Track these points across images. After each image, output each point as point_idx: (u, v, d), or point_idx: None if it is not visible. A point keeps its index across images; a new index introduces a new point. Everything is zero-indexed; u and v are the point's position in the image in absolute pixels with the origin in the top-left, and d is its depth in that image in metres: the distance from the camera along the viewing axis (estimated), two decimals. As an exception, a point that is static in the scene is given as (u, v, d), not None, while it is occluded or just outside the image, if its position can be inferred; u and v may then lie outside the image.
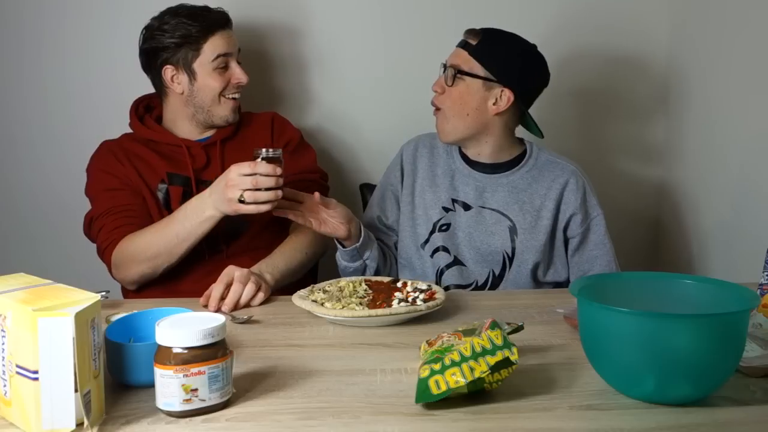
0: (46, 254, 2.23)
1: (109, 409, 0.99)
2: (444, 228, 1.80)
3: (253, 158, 1.55)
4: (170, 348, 0.97)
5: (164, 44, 1.80)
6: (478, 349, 1.02)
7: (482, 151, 1.83)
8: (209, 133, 1.90)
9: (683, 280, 1.15)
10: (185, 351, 0.97)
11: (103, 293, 1.51)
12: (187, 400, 0.97)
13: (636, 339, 0.98)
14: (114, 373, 1.08)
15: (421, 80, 1.96)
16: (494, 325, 1.07)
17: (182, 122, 1.89)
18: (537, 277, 1.78)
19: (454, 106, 1.77)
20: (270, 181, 1.52)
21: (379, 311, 1.34)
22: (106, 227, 1.74)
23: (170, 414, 0.98)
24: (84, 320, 0.92)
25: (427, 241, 1.81)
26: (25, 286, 1.01)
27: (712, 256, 2.09)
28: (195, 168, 1.84)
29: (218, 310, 1.45)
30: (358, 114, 2.31)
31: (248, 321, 1.39)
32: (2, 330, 0.94)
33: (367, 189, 2.17)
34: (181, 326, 0.99)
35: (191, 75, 1.82)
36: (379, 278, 1.58)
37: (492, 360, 1.00)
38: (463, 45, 1.78)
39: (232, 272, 1.51)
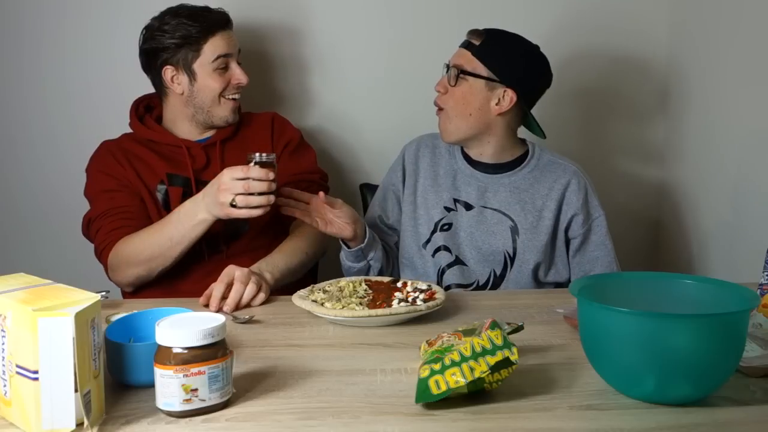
0: (46, 254, 2.23)
1: (109, 409, 0.99)
2: (446, 228, 1.80)
3: (246, 162, 1.55)
4: (170, 348, 0.97)
5: (164, 45, 1.80)
6: (478, 349, 1.02)
7: (484, 151, 1.83)
8: (209, 134, 1.90)
9: (683, 280, 1.15)
10: (185, 351, 0.97)
11: (103, 293, 1.51)
12: (187, 400, 0.97)
13: (636, 339, 0.98)
14: (114, 373, 1.08)
15: (422, 80, 1.96)
16: (494, 325, 1.07)
17: (182, 122, 1.89)
18: (538, 277, 1.79)
19: (457, 106, 1.77)
20: (262, 186, 1.52)
21: (379, 311, 1.34)
22: (103, 229, 1.74)
23: (170, 414, 0.98)
24: (84, 320, 0.92)
25: (428, 240, 1.81)
26: (25, 286, 1.01)
27: (712, 256, 2.09)
28: (195, 168, 1.84)
29: (219, 310, 1.45)
30: (359, 114, 2.31)
31: (249, 321, 1.39)
32: (2, 330, 0.94)
33: (367, 189, 2.17)
34: (181, 326, 0.99)
35: (191, 75, 1.82)
36: (379, 278, 1.58)
37: (492, 360, 1.00)
38: (466, 45, 1.78)
39: (233, 272, 1.50)
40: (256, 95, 2.16)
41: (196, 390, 0.97)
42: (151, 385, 0.99)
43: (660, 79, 2.34)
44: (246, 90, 1.90)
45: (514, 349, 1.02)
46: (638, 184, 2.40)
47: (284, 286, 1.66)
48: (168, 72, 1.82)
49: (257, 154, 1.55)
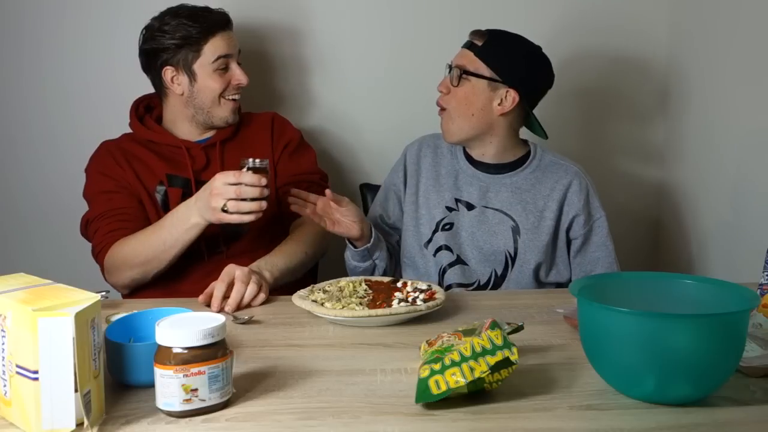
0: (46, 254, 2.23)
1: (109, 409, 0.99)
2: (447, 227, 1.80)
3: (239, 168, 1.54)
4: (170, 348, 0.97)
5: (164, 45, 1.80)
6: (478, 349, 1.02)
7: (486, 152, 1.83)
8: (209, 134, 1.90)
9: (683, 280, 1.15)
10: (185, 351, 0.97)
11: (103, 293, 1.51)
12: (187, 400, 0.97)
13: (636, 339, 0.98)
14: (114, 373, 1.08)
15: (422, 81, 1.96)
16: (494, 325, 1.07)
17: (182, 123, 1.88)
18: (539, 277, 1.79)
19: (460, 107, 1.77)
20: (254, 192, 1.51)
21: (379, 311, 1.34)
22: (100, 230, 1.74)
23: (170, 414, 0.98)
24: (84, 320, 0.92)
25: (430, 240, 1.81)
26: (25, 286, 1.01)
27: (712, 256, 2.09)
28: (195, 169, 1.83)
29: (221, 310, 1.45)
30: (359, 114, 2.31)
31: (249, 321, 1.39)
32: (2, 330, 0.94)
33: (368, 189, 2.17)
34: (181, 326, 0.99)
35: (191, 76, 1.82)
36: (379, 278, 1.58)
37: (492, 360, 1.00)
38: (469, 46, 1.78)
39: (233, 271, 1.50)
40: (257, 96, 2.16)
41: (196, 390, 0.97)
42: (151, 385, 0.99)
43: (660, 79, 2.34)
44: (246, 90, 1.90)
45: (514, 349, 1.02)
46: (638, 184, 2.40)
47: (284, 286, 1.66)
48: (168, 72, 1.82)
49: (250, 160, 1.55)
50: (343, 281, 1.53)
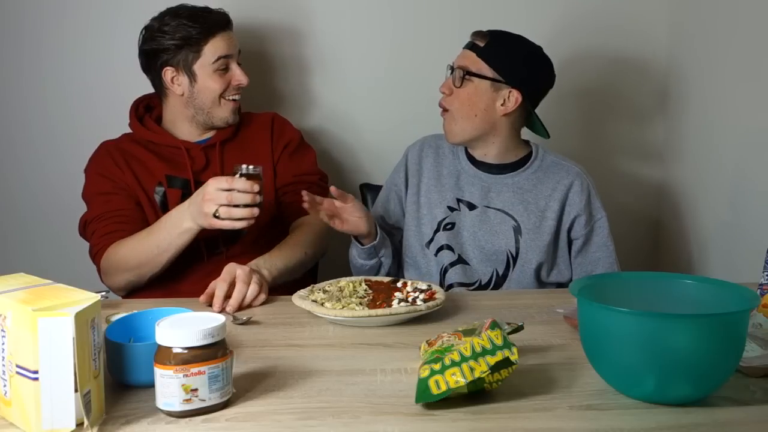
0: (46, 254, 2.23)
1: (109, 409, 0.99)
2: (449, 227, 1.81)
3: (232, 174, 1.54)
4: (170, 348, 0.97)
5: (164, 46, 1.79)
6: (478, 349, 1.02)
7: (489, 152, 1.83)
8: (209, 135, 1.89)
9: (683, 280, 1.15)
10: (185, 351, 0.97)
11: (103, 293, 1.51)
12: (187, 400, 0.97)
13: (636, 339, 0.98)
14: (114, 373, 1.08)
15: (422, 81, 1.96)
16: (494, 325, 1.07)
17: (182, 123, 1.88)
18: (540, 277, 1.79)
19: (463, 108, 1.77)
20: (246, 198, 1.51)
21: (379, 311, 1.34)
22: (97, 232, 1.74)
23: (170, 414, 0.98)
24: (84, 320, 0.92)
25: (431, 240, 1.81)
26: (25, 286, 1.01)
27: (712, 256, 2.09)
28: (194, 170, 1.83)
29: (222, 310, 1.44)
30: (359, 115, 2.31)
31: (248, 322, 1.39)
32: (2, 330, 0.94)
33: (368, 189, 2.17)
34: (181, 326, 0.99)
35: (191, 77, 1.81)
36: (379, 278, 1.58)
37: (492, 360, 1.00)
38: (471, 47, 1.78)
39: (234, 270, 1.50)
40: (257, 96, 2.16)
41: (196, 390, 0.97)
42: (151, 385, 0.99)
43: (660, 80, 2.34)
44: (247, 91, 1.90)
45: (514, 349, 1.02)
46: (638, 184, 2.40)
47: (284, 286, 1.66)
48: (168, 73, 1.82)
49: (243, 166, 1.55)
50: (343, 281, 1.53)
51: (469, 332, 1.13)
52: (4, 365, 0.94)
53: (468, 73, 1.76)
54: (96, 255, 1.73)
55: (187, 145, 1.85)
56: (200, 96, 1.83)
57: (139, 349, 1.06)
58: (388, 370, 1.14)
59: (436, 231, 1.81)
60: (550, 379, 1.10)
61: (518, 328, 1.22)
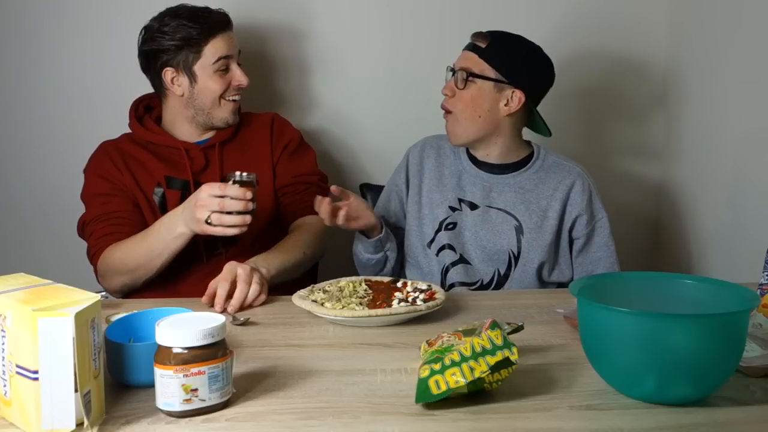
0: (46, 254, 2.23)
1: (109, 409, 0.99)
2: (450, 227, 1.81)
3: (225, 180, 1.54)
4: (170, 348, 0.97)
5: (164, 46, 1.79)
6: (478, 349, 1.02)
7: (491, 152, 1.83)
8: (209, 135, 1.89)
9: (683, 280, 1.15)
10: (185, 351, 0.97)
11: (103, 293, 1.51)
12: (187, 400, 0.97)
13: (636, 339, 0.98)
14: (114, 373, 1.08)
15: (423, 81, 1.96)
16: (494, 325, 1.07)
17: (182, 124, 1.88)
18: (542, 276, 1.79)
19: (467, 109, 1.77)
20: (238, 205, 1.50)
21: (379, 311, 1.34)
22: (95, 234, 1.74)
23: (170, 414, 0.98)
24: (84, 320, 0.92)
25: (432, 240, 1.82)
26: (25, 286, 1.01)
27: (712, 256, 2.09)
28: (193, 171, 1.83)
29: (224, 310, 1.44)
30: (360, 115, 2.31)
31: (247, 323, 1.39)
32: (2, 330, 0.94)
33: (368, 189, 2.17)
34: (181, 326, 0.99)
35: (192, 77, 1.81)
36: (378, 278, 1.58)
37: (492, 360, 1.00)
38: (472, 48, 1.79)
39: (235, 269, 1.50)
40: (258, 96, 2.16)
41: (196, 390, 0.97)
42: (151, 385, 0.99)
43: (659, 80, 2.34)
44: (247, 91, 1.90)
45: (514, 349, 1.02)
46: (638, 184, 2.40)
47: (284, 286, 1.66)
48: (168, 74, 1.82)
49: (237, 173, 1.55)
50: (343, 281, 1.53)
51: (469, 332, 1.13)
52: (4, 365, 0.94)
53: (471, 75, 1.76)
54: (93, 257, 1.73)
55: (186, 145, 1.85)
56: (200, 96, 1.83)
57: (139, 349, 1.06)
58: (388, 370, 1.14)
59: (438, 231, 1.81)
60: (550, 379, 1.10)
61: (518, 328, 1.22)
